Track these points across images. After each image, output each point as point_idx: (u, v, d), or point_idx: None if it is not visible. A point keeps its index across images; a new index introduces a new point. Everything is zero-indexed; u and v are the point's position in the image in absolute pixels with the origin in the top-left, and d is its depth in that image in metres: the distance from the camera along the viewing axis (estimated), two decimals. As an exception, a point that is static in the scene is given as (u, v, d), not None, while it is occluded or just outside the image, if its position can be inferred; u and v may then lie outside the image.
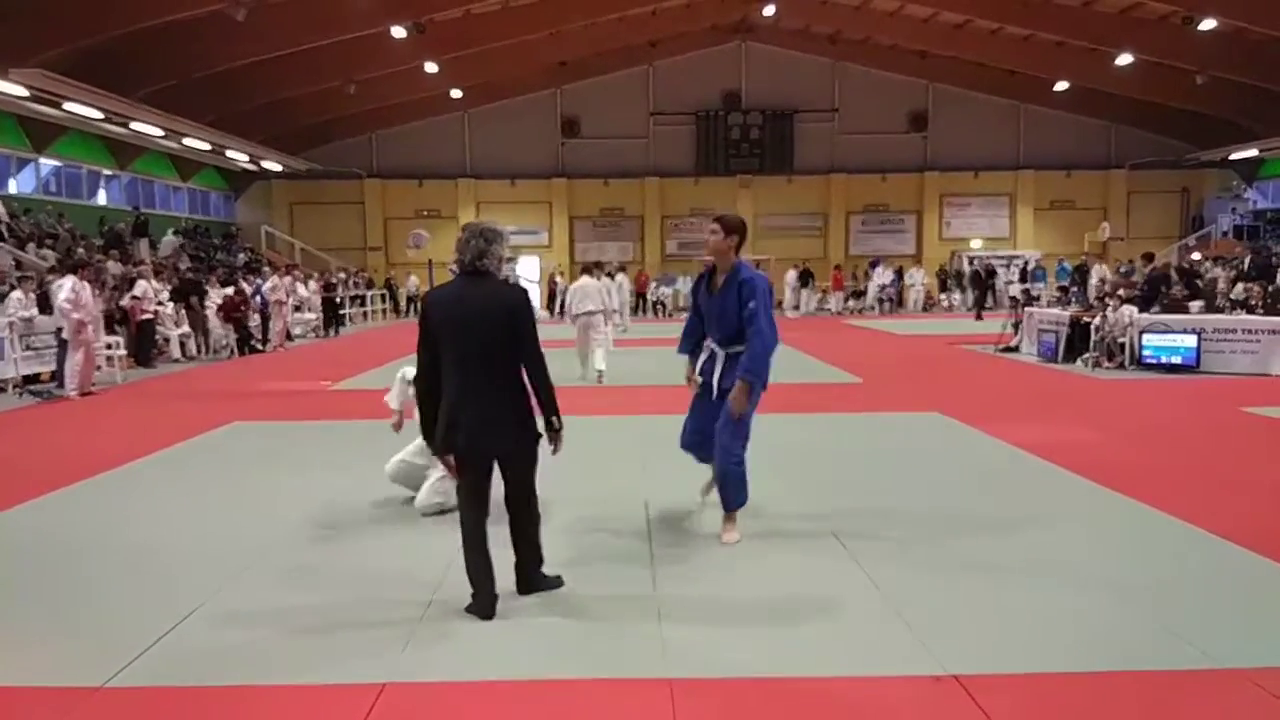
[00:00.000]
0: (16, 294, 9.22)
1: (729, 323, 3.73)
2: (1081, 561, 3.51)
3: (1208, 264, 15.29)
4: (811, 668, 2.61)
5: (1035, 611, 3.02)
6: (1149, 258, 11.50)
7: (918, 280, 22.75)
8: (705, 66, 24.04)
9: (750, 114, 24.29)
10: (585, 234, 25.12)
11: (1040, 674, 2.55)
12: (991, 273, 20.58)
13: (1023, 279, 20.47)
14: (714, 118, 24.35)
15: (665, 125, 24.47)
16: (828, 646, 2.77)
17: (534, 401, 3.05)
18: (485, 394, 2.95)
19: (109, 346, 9.84)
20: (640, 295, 22.39)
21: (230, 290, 13.07)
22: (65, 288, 8.52)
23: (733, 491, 3.84)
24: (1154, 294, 10.53)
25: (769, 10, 21.10)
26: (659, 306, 22.42)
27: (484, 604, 2.98)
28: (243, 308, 12.83)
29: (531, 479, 3.10)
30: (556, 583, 3.18)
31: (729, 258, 3.76)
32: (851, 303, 22.44)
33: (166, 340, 11.95)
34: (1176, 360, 9.31)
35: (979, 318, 17.28)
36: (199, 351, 12.39)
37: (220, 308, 12.70)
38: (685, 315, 4.47)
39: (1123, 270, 14.05)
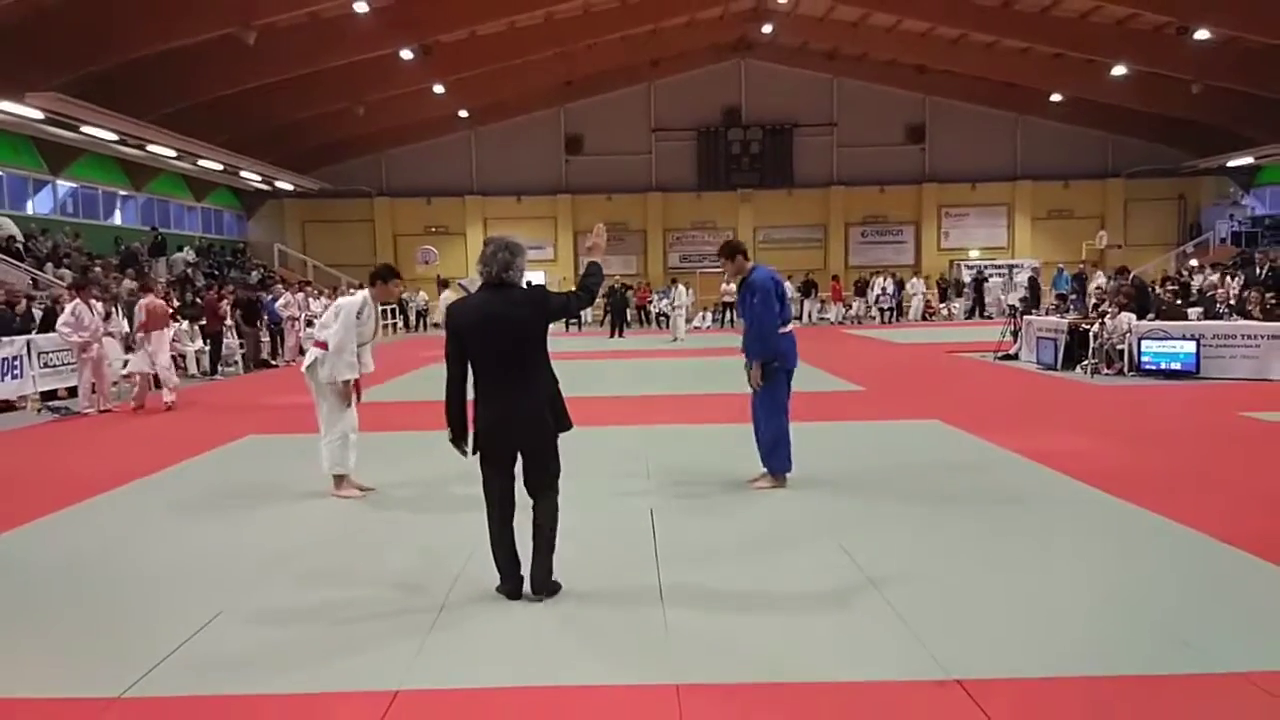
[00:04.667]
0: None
1: (747, 317, 4.77)
2: (1083, 566, 3.55)
3: (1208, 270, 15.35)
4: (815, 672, 2.65)
5: (1037, 616, 3.05)
6: (1123, 272, 11.68)
7: (919, 290, 22.82)
8: (705, 83, 24.30)
9: (750, 129, 24.51)
10: (588, 248, 25.35)
11: (1043, 678, 2.57)
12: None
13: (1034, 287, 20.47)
14: (714, 133, 24.57)
15: (667, 141, 24.71)
16: (831, 651, 2.81)
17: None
18: (516, 390, 3.15)
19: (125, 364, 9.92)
20: (641, 308, 22.51)
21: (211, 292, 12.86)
22: (66, 309, 8.60)
23: (774, 459, 4.78)
24: (1145, 301, 10.61)
25: (767, 28, 21.40)
26: (662, 319, 22.51)
27: (512, 587, 3.25)
28: (222, 306, 12.49)
29: (555, 466, 3.26)
30: (556, 586, 3.29)
31: (741, 271, 4.73)
32: (851, 311, 22.53)
33: (183, 356, 12.08)
34: (1176, 366, 9.33)
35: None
36: (212, 368, 12.51)
37: (204, 309, 12.53)
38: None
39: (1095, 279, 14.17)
